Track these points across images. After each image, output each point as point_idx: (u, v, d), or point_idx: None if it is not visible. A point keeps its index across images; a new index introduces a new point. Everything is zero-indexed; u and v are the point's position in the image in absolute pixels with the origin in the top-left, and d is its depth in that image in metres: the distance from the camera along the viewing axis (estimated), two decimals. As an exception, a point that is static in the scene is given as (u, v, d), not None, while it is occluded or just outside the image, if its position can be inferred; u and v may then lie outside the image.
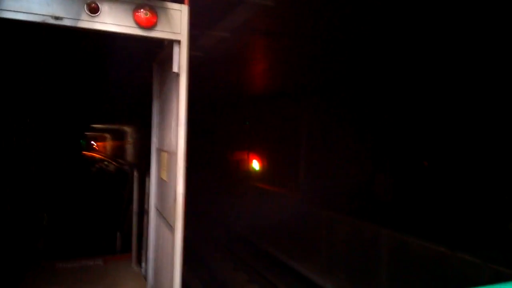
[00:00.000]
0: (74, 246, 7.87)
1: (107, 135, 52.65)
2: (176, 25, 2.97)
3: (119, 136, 42.71)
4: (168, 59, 3.42)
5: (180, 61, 3.04)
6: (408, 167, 9.08)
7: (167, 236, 3.57)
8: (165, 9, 2.94)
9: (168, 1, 3.04)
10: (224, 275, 9.48)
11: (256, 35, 6.54)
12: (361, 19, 5.48)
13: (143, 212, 4.67)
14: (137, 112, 18.80)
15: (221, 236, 12.83)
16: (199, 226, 13.45)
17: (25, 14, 2.56)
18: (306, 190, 11.03)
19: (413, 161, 8.99)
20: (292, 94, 11.88)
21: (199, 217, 14.66)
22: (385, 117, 9.44)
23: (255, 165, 14.40)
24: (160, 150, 4.14)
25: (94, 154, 52.44)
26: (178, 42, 3.02)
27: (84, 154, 37.66)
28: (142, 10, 2.83)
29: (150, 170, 4.43)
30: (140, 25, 2.85)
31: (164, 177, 3.81)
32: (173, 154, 3.33)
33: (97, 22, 2.74)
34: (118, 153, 44.40)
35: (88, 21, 2.71)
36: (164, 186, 3.81)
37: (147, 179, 4.50)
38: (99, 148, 64.37)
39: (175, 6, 2.97)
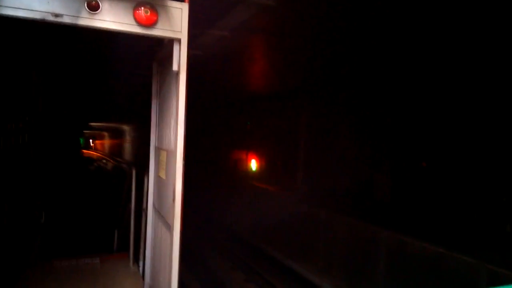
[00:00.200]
0: (72, 245, 7.85)
1: (106, 134, 52.55)
2: (176, 23, 2.97)
3: (117, 135, 42.63)
4: (168, 58, 3.41)
5: (180, 59, 3.04)
6: (406, 168, 9.10)
7: (165, 235, 3.57)
8: (166, 7, 2.93)
9: (169, -1, 3.04)
10: (222, 274, 9.47)
11: (256, 34, 6.55)
12: (362, 19, 5.48)
13: (141, 210, 4.66)
14: (136, 111, 18.77)
15: (219, 235, 12.83)
16: (197, 225, 13.44)
17: (25, 11, 2.55)
18: (304, 190, 11.04)
19: (411, 161, 9.00)
20: (291, 94, 11.89)
21: (197, 216, 14.65)
22: (384, 117, 9.45)
23: (254, 164, 14.39)
24: (159, 149, 4.13)
25: (92, 152, 52.34)
26: (178, 40, 3.01)
27: (83, 152, 37.61)
28: (142, 8, 2.82)
29: (149, 169, 4.42)
30: (140, 23, 2.84)
31: (163, 175, 3.80)
32: (171, 153, 3.32)
33: (97, 19, 2.73)
34: (116, 151, 44.33)
35: (88, 18, 2.71)
36: (163, 184, 3.80)
37: (145, 177, 4.49)
38: (98, 146, 64.25)
39: (176, 4, 2.97)
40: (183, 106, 3.07)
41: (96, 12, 2.71)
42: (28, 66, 5.38)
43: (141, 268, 4.65)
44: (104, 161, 36.60)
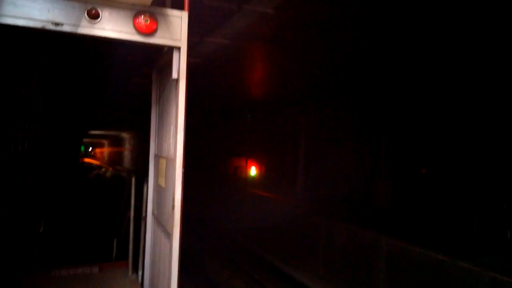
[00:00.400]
0: (71, 253, 7.80)
1: (105, 142, 52.56)
2: (176, 31, 2.98)
3: (117, 143, 42.64)
4: (167, 66, 3.42)
5: (180, 67, 3.05)
6: (406, 174, 9.09)
7: (164, 243, 3.55)
8: (165, 15, 2.95)
9: (168, 7, 3.05)
10: (222, 283, 9.40)
11: (255, 42, 6.58)
12: (360, 27, 5.52)
13: (140, 219, 4.64)
14: (135, 119, 18.80)
15: (219, 243, 12.76)
16: (197, 232, 13.37)
17: (25, 20, 2.56)
18: (305, 197, 11.01)
19: (411, 168, 9.00)
20: (291, 100, 11.92)
21: (197, 224, 14.58)
22: (385, 124, 9.47)
23: (253, 171, 14.38)
24: (158, 157, 4.13)
25: (92, 160, 52.28)
26: (178, 48, 3.03)
27: (82, 160, 37.57)
28: (142, 16, 2.84)
29: (148, 177, 4.41)
30: (140, 32, 2.86)
31: (162, 183, 3.79)
32: (171, 160, 3.32)
33: (97, 28, 2.75)
34: (115, 159, 44.29)
35: (88, 27, 2.72)
36: (162, 192, 3.79)
37: (144, 185, 4.48)
38: (97, 154, 64.20)
39: (175, 13, 2.99)
40: (182, 113, 3.07)
41: (96, 20, 2.73)
42: (28, 74, 5.39)
43: (140, 277, 4.62)
44: (103, 169, 36.56)
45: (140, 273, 4.62)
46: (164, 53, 3.62)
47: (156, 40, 2.92)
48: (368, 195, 9.76)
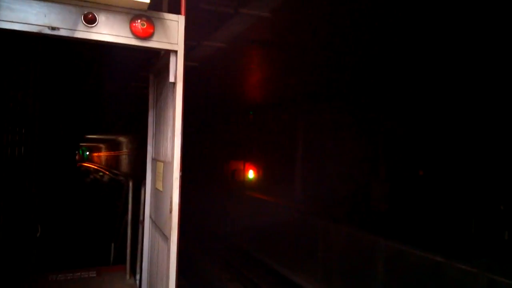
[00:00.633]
0: (68, 258, 7.75)
1: (102, 146, 52.43)
2: (172, 35, 2.99)
3: (114, 147, 42.54)
4: (164, 69, 3.43)
5: (177, 71, 3.05)
6: (404, 176, 9.11)
7: (162, 247, 3.54)
8: (162, 19, 2.95)
9: (165, 11, 3.06)
10: (220, 286, 9.38)
11: (252, 46, 6.60)
12: (357, 29, 5.55)
13: (137, 222, 4.62)
14: (132, 123, 18.78)
15: (217, 246, 12.72)
16: (195, 236, 13.34)
17: (21, 25, 2.55)
18: (303, 200, 11.01)
19: (409, 170, 9.02)
20: (288, 103, 11.94)
21: (195, 227, 14.54)
22: (382, 127, 9.50)
23: (251, 174, 14.37)
24: (155, 160, 4.12)
25: (89, 165, 52.12)
26: (175, 52, 3.03)
27: (79, 164, 37.42)
28: (139, 20, 2.85)
29: (146, 180, 4.41)
30: (137, 36, 2.86)
31: (160, 187, 3.79)
32: (168, 164, 3.32)
33: (93, 32, 2.75)
34: (113, 163, 44.17)
35: (84, 31, 2.72)
36: (159, 196, 3.79)
37: (142, 189, 4.47)
38: (94, 158, 64.02)
39: (172, 16, 2.99)
40: (179, 117, 3.07)
41: (93, 25, 2.73)
42: (25, 78, 5.38)
43: (138, 281, 4.60)
44: (100, 173, 36.44)
45: (138, 277, 4.61)
46: (161, 57, 3.62)
47: (153, 44, 2.93)
48: (366, 197, 9.77)
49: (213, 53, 6.84)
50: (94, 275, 4.98)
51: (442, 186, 8.07)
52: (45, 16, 2.60)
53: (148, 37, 2.89)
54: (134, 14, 2.84)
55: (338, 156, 10.47)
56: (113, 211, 13.12)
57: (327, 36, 5.87)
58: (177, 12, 3.02)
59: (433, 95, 8.04)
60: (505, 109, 6.87)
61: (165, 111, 3.60)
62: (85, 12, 2.70)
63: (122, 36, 2.83)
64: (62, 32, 2.65)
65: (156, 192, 4.04)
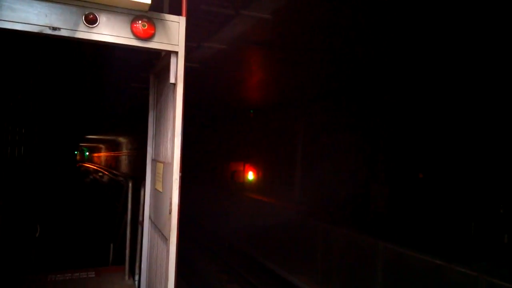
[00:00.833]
0: (67, 258, 7.75)
1: (102, 146, 52.43)
2: (173, 36, 2.99)
3: (114, 147, 42.54)
4: (165, 70, 3.43)
5: (177, 72, 3.06)
6: (403, 179, 9.11)
7: (161, 248, 3.54)
8: (163, 20, 2.96)
9: (166, 12, 3.07)
10: (219, 287, 9.37)
11: (253, 47, 6.61)
12: (358, 31, 5.55)
13: (137, 223, 4.62)
14: (132, 123, 18.78)
15: (216, 247, 12.71)
16: (194, 237, 13.32)
17: (22, 25, 2.56)
18: (303, 202, 11.00)
19: (408, 172, 9.01)
20: (288, 105, 11.95)
21: (194, 229, 14.53)
22: (382, 128, 9.50)
23: (251, 176, 14.37)
24: (155, 161, 4.12)
25: (89, 165, 52.12)
26: (176, 53, 3.04)
27: (79, 164, 37.42)
28: (140, 21, 2.85)
29: (145, 181, 4.41)
30: (138, 36, 2.86)
31: (159, 188, 3.79)
32: (168, 165, 3.32)
33: (94, 33, 2.75)
34: (112, 164, 44.16)
35: (85, 32, 2.72)
36: (159, 197, 3.78)
37: (141, 190, 4.47)
38: (94, 158, 64.02)
39: (173, 17, 3.00)
40: (180, 118, 3.08)
41: (94, 25, 2.73)
42: (25, 78, 5.39)
43: (137, 282, 4.60)
44: (100, 173, 36.43)
45: (136, 277, 4.61)
46: (162, 58, 3.63)
47: (153, 45, 2.93)
48: (366, 200, 9.76)
49: (213, 54, 6.85)
50: (93, 275, 4.98)
51: (442, 189, 8.06)
52: (46, 16, 2.60)
53: (149, 38, 2.90)
54: (135, 15, 2.85)
55: (338, 158, 10.47)
56: (112, 211, 13.12)
57: (327, 37, 5.87)
58: (178, 13, 3.03)
59: (433, 98, 8.04)
60: (505, 112, 6.87)
61: (165, 112, 3.60)
62: (86, 13, 2.70)
63: (123, 37, 2.83)
64: (63, 33, 2.66)
65: (155, 192, 4.04)
